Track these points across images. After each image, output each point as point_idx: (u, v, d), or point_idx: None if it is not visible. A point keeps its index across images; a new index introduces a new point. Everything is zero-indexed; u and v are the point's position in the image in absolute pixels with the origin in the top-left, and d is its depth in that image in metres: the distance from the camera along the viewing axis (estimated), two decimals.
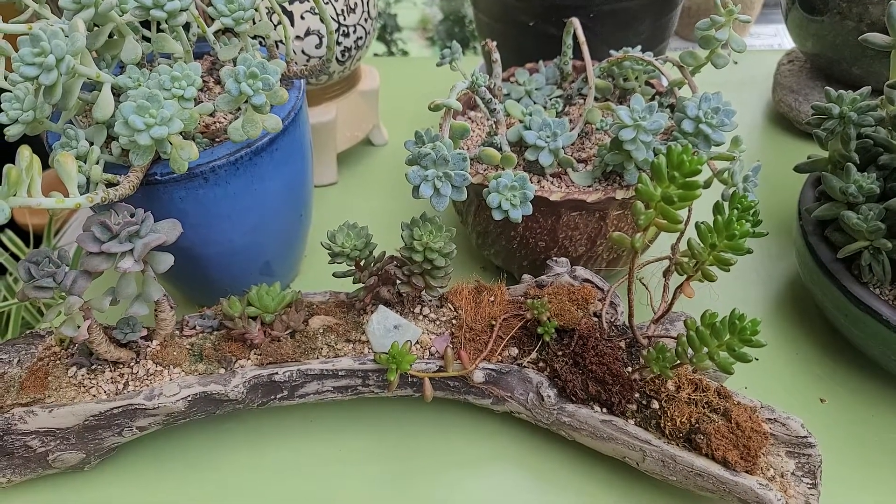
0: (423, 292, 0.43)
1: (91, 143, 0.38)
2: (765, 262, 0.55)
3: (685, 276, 0.36)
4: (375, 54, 1.56)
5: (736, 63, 0.85)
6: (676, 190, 0.29)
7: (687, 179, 0.28)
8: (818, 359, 0.47)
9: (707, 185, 0.46)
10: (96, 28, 0.40)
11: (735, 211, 0.37)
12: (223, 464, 0.43)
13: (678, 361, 0.34)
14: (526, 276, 0.46)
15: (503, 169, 0.44)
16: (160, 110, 0.33)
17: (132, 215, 0.36)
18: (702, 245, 0.34)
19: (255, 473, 0.43)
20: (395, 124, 0.76)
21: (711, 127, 0.41)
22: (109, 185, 0.38)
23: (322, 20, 0.41)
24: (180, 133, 0.41)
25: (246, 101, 0.37)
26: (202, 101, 0.42)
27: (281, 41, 0.54)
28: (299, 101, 0.45)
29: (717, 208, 0.38)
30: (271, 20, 0.54)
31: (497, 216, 0.40)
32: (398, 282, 0.42)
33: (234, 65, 0.36)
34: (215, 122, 0.45)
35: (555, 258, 0.45)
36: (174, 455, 0.44)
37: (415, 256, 0.39)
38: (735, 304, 0.51)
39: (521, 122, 0.46)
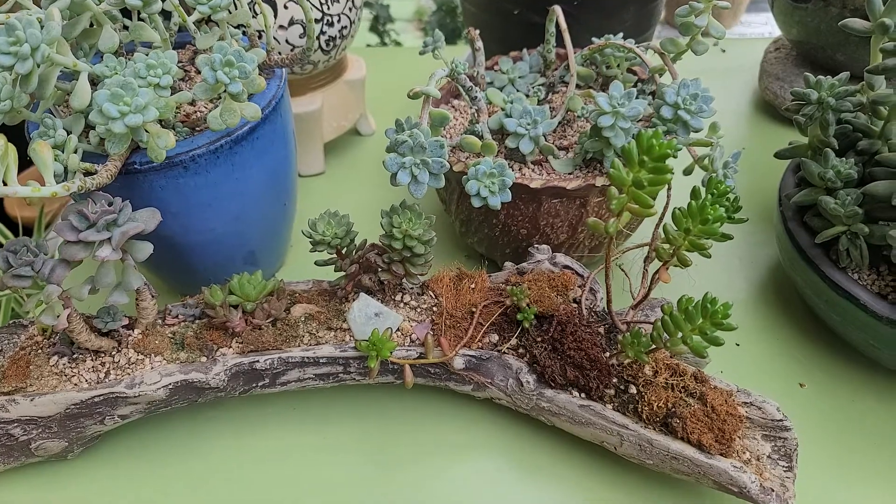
0: (403, 280, 0.43)
1: (69, 133, 0.38)
2: (748, 249, 0.56)
3: (662, 262, 0.37)
4: (368, 45, 1.55)
5: (724, 51, 0.85)
6: (647, 174, 0.29)
7: (657, 164, 0.29)
8: (799, 344, 0.47)
9: (688, 171, 0.46)
10: (76, 17, 0.40)
11: (710, 196, 0.37)
12: (207, 452, 0.44)
13: (653, 346, 0.35)
14: (508, 264, 0.46)
15: (483, 156, 0.44)
16: (135, 98, 0.33)
17: (110, 204, 0.36)
18: (677, 230, 0.34)
19: (239, 461, 0.43)
20: (383, 114, 0.76)
21: (690, 113, 0.41)
22: (87, 173, 0.38)
23: (302, 9, 0.41)
24: (159, 122, 0.41)
25: (224, 90, 0.37)
26: (182, 90, 0.42)
27: (262, 30, 0.54)
28: (280, 89, 0.45)
29: (694, 193, 0.38)
30: (253, 9, 0.54)
31: (476, 203, 0.40)
32: (379, 269, 0.42)
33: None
34: (196, 112, 0.44)
35: (536, 245, 0.46)
36: (158, 443, 0.44)
37: (394, 244, 0.40)
38: (718, 291, 0.52)
39: (502, 109, 0.46)
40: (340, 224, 0.42)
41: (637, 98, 0.41)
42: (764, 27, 1.11)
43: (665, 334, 0.34)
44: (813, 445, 0.41)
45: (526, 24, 0.61)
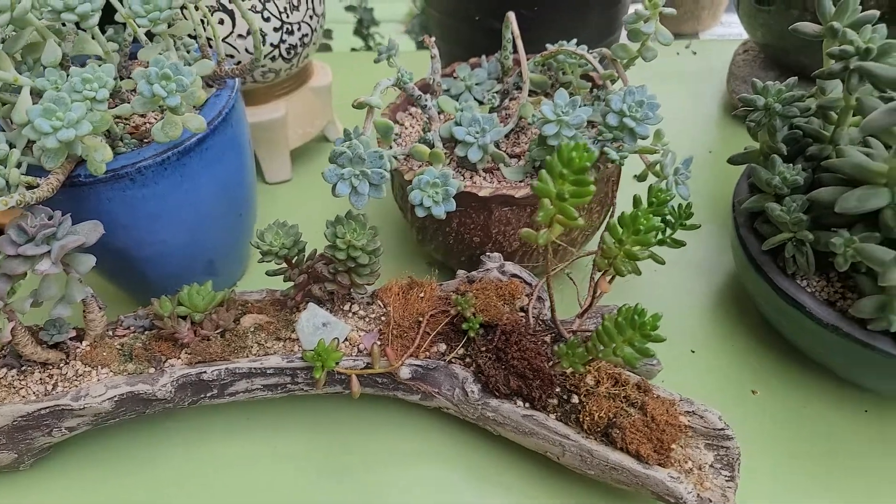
0: (352, 289, 0.43)
1: (12, 146, 0.38)
2: (709, 254, 0.55)
3: (602, 272, 0.37)
4: (353, 49, 1.55)
5: (695, 53, 0.85)
6: (569, 187, 0.29)
7: (578, 176, 0.28)
8: (753, 350, 0.47)
9: (642, 177, 0.46)
10: (19, 32, 0.40)
11: (650, 204, 0.37)
12: (162, 462, 0.44)
13: (589, 357, 0.34)
14: (460, 272, 0.46)
15: (430, 165, 0.44)
16: (67, 113, 0.33)
17: (50, 217, 0.36)
18: (613, 240, 0.34)
19: (194, 471, 0.43)
20: (354, 120, 0.75)
21: (636, 120, 0.41)
22: (30, 187, 0.38)
23: (246, 21, 0.41)
24: (106, 134, 0.41)
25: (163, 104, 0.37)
26: (128, 103, 0.42)
27: (211, 39, 0.54)
28: (231, 100, 0.45)
29: (635, 201, 0.38)
30: (204, 21, 0.54)
31: (420, 213, 0.40)
32: (325, 280, 0.42)
33: None
34: (145, 123, 0.45)
35: (488, 253, 0.46)
36: (113, 454, 0.44)
37: (338, 255, 0.40)
38: (677, 296, 0.52)
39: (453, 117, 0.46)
40: (288, 234, 0.42)
41: (584, 105, 0.41)
42: (741, 27, 1.11)
43: (600, 345, 0.34)
44: (763, 452, 0.41)
45: (489, 29, 0.61)
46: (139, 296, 0.53)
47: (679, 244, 0.47)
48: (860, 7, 0.44)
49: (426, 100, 0.45)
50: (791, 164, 0.42)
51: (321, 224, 0.45)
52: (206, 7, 0.54)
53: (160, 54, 0.38)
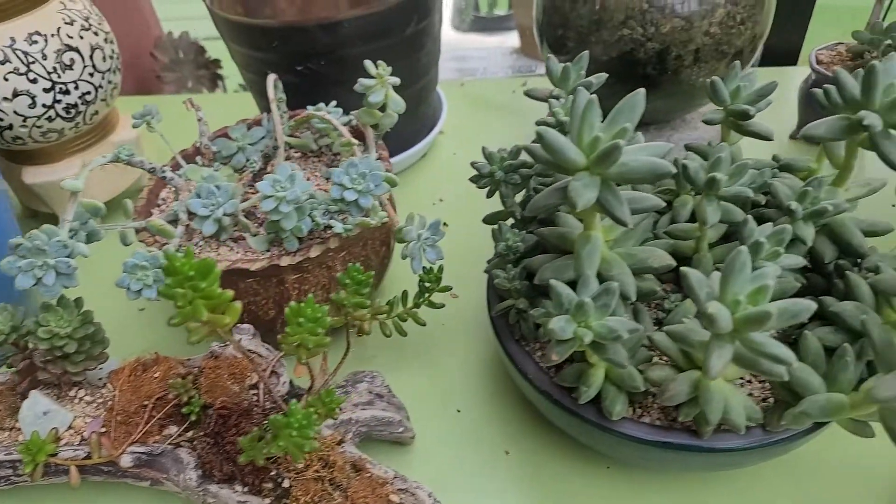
0: (77, 375, 0.41)
1: None
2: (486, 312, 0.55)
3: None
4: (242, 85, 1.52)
5: (526, 94, 0.85)
6: (190, 292, 0.28)
7: (192, 283, 0.28)
8: (510, 409, 0.47)
9: (400, 240, 0.46)
10: None
11: (347, 283, 0.37)
12: None
13: (266, 448, 0.34)
14: (214, 345, 0.45)
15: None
16: None
17: None
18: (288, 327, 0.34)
19: None
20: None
21: (358, 192, 0.41)
22: None
23: None
24: None
25: None
26: None
27: None
28: None
29: (340, 281, 0.38)
30: None
31: (130, 297, 0.39)
32: (38, 368, 0.40)
33: None
34: None
35: (239, 325, 0.45)
36: None
37: (41, 344, 0.38)
38: (457, 354, 0.52)
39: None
40: (8, 320, 0.40)
41: (300, 180, 0.40)
42: None
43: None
44: None
45: (288, 84, 0.60)
46: None
47: (436, 306, 0.47)
48: (584, 73, 0.45)
49: (164, 171, 0.44)
50: (517, 230, 0.42)
51: None
52: None
53: None
